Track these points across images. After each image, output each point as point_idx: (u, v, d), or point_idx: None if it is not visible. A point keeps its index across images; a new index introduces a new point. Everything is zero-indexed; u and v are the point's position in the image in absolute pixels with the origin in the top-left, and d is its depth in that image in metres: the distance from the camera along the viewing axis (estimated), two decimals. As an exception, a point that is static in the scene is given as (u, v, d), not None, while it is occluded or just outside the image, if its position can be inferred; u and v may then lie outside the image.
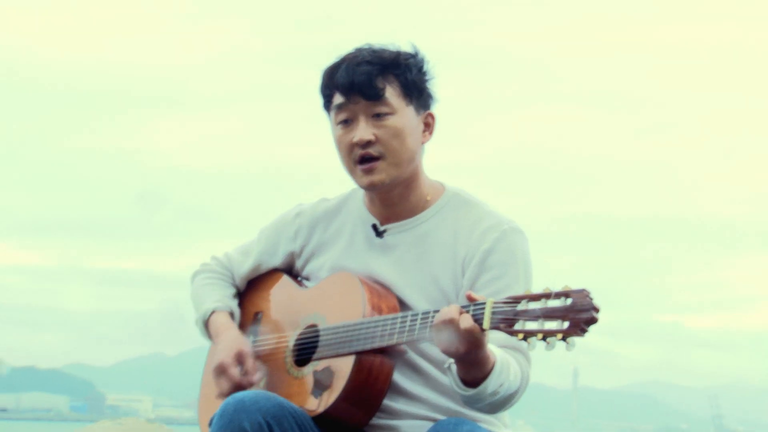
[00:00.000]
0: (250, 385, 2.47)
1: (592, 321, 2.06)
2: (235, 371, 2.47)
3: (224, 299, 2.66)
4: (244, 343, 2.53)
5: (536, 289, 2.14)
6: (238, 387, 2.46)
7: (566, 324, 2.06)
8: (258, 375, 2.49)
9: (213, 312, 2.63)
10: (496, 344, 2.27)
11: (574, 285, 2.09)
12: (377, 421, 2.41)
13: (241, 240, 2.77)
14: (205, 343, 2.75)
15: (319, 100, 2.54)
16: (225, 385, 2.47)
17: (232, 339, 2.54)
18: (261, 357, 2.57)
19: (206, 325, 2.64)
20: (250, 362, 2.49)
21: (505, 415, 2.46)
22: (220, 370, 2.48)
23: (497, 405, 2.28)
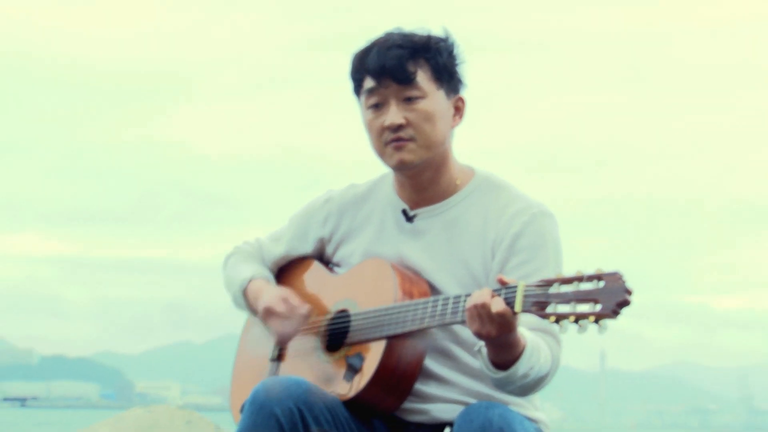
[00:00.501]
0: (302, 316, 2.48)
1: (626, 303, 2.05)
2: (283, 308, 2.48)
3: (260, 270, 2.67)
4: (286, 289, 2.55)
5: (567, 272, 2.13)
6: (291, 322, 2.47)
7: (599, 307, 2.05)
8: (305, 308, 2.49)
9: (250, 280, 2.63)
10: (526, 327, 2.27)
11: (605, 267, 2.08)
12: (408, 404, 2.41)
13: (267, 226, 2.78)
14: (233, 330, 2.75)
15: (347, 86, 2.53)
16: (277, 323, 2.49)
17: (274, 289, 2.57)
18: (292, 342, 2.58)
19: (245, 294, 2.64)
20: (295, 299, 2.50)
21: (536, 397, 2.46)
22: (268, 313, 2.50)
23: (528, 388, 2.28)
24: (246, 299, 2.63)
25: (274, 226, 2.77)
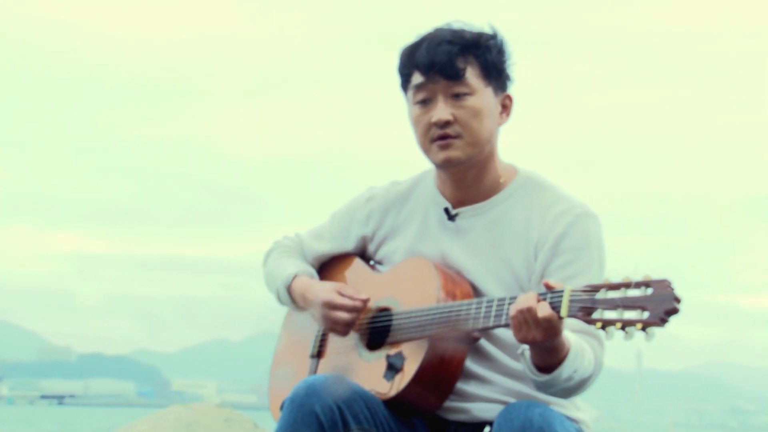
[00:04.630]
0: (363, 303, 2.47)
1: (674, 312, 2.02)
2: (342, 300, 2.47)
3: (303, 266, 2.66)
4: (336, 283, 2.54)
5: (612, 275, 2.11)
6: (354, 311, 2.46)
7: (646, 314, 2.03)
8: (364, 294, 2.49)
9: (295, 276, 2.62)
10: (569, 329, 2.25)
11: (651, 272, 2.05)
12: (449, 403, 2.40)
13: (304, 224, 2.77)
14: (269, 328, 2.75)
15: (393, 81, 2.52)
16: (340, 314, 2.47)
17: (323, 283, 2.56)
18: (333, 341, 2.57)
19: (289, 291, 2.63)
20: (350, 291, 2.49)
21: (578, 397, 2.43)
22: (329, 306, 2.48)
23: (571, 390, 2.26)
24: (291, 295, 2.63)
25: (308, 224, 2.77)
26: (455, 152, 2.41)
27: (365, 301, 2.48)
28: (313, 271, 2.67)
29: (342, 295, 2.48)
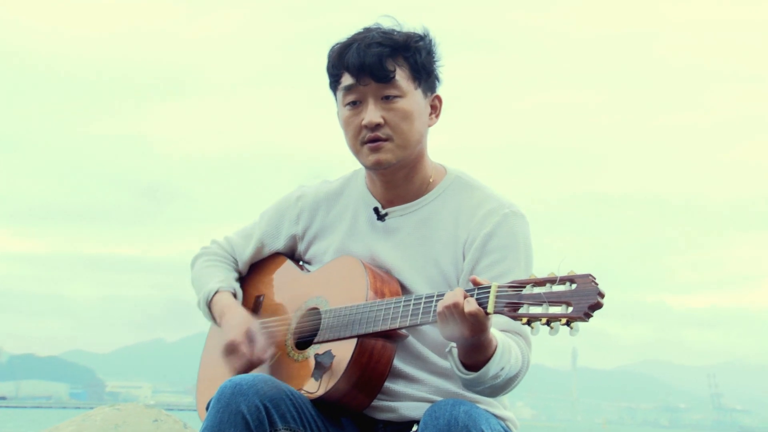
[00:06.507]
0: (262, 362, 2.47)
1: (597, 306, 2.04)
2: (246, 349, 2.46)
3: (227, 280, 2.65)
4: (252, 321, 2.52)
5: (540, 273, 2.13)
6: (251, 364, 2.45)
7: (570, 309, 2.05)
8: (270, 351, 2.48)
9: (216, 292, 2.62)
10: (497, 328, 2.27)
11: (578, 269, 2.07)
12: (376, 402, 2.40)
13: (237, 223, 2.75)
14: (204, 328, 2.73)
15: (323, 81, 2.52)
16: (237, 362, 2.46)
17: (240, 317, 2.53)
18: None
19: (209, 306, 2.63)
20: (261, 339, 2.48)
21: (505, 396, 2.45)
22: (231, 349, 2.47)
23: (498, 388, 2.28)
24: (210, 311, 2.63)
25: (240, 223, 2.75)
26: (386, 155, 2.42)
27: (265, 360, 2.47)
28: (237, 286, 2.66)
29: (249, 340, 2.47)
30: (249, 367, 2.46)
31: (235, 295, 2.64)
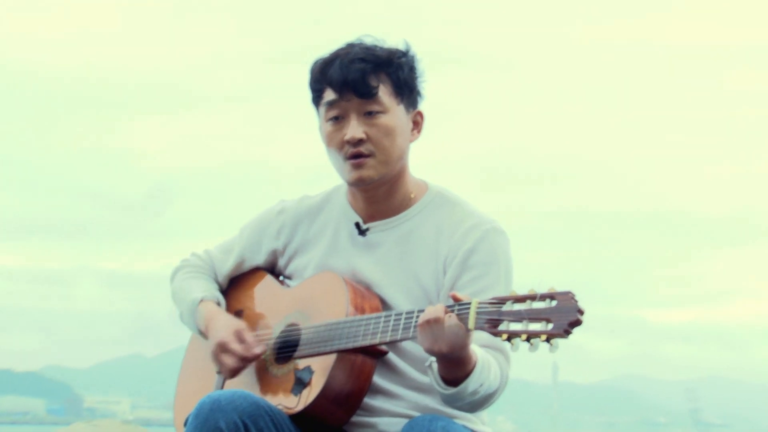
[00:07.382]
0: (255, 357, 2.45)
1: (577, 323, 2.05)
2: (237, 347, 2.44)
3: (210, 290, 2.64)
4: (239, 323, 2.51)
5: (520, 289, 2.13)
6: (244, 361, 2.44)
7: (550, 326, 2.06)
8: (260, 348, 2.46)
9: (201, 301, 2.60)
10: (477, 344, 2.27)
11: (558, 286, 2.08)
12: (355, 418, 2.40)
13: (218, 237, 2.75)
14: (183, 343, 2.72)
15: (305, 96, 2.52)
16: (230, 360, 2.45)
17: (227, 320, 2.53)
18: None
19: (194, 317, 2.61)
20: (250, 337, 2.47)
21: (484, 412, 2.46)
22: (222, 348, 2.45)
23: (477, 404, 2.27)
24: (195, 321, 2.61)
25: (219, 238, 2.74)
26: (368, 171, 2.42)
27: (258, 355, 2.46)
28: (220, 295, 2.65)
29: (239, 340, 2.46)
30: (242, 364, 2.44)
31: (219, 304, 2.63)
